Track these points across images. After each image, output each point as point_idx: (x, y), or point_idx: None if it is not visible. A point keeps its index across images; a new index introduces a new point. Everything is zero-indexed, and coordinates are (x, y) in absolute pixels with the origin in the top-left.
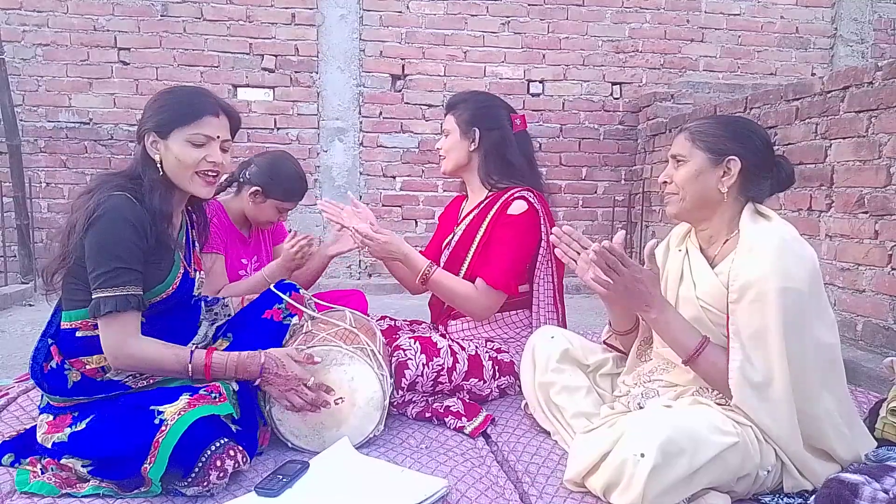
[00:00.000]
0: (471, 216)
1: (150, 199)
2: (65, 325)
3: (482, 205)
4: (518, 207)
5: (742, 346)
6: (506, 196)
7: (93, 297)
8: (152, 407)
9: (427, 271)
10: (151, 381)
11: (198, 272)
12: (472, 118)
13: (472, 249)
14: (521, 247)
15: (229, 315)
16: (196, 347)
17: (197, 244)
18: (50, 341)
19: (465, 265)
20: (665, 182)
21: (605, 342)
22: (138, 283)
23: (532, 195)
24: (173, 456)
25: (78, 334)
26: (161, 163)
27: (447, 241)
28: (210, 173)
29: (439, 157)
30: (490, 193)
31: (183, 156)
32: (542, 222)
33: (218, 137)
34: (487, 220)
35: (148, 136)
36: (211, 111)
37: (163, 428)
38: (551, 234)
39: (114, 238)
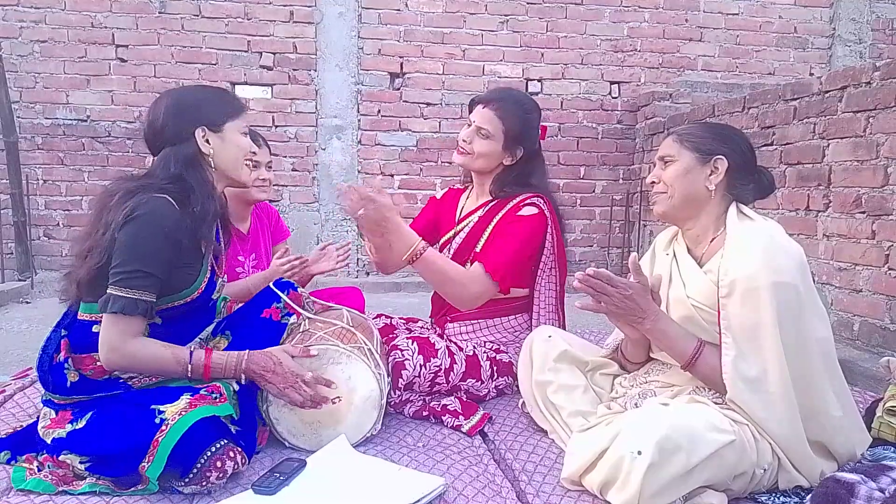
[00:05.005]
0: (474, 217)
1: (205, 200)
2: (82, 315)
3: (488, 207)
4: (528, 211)
5: (735, 341)
6: (514, 201)
7: (108, 290)
8: (153, 406)
9: (419, 248)
10: (153, 380)
11: (220, 277)
12: (520, 135)
13: (477, 251)
14: (526, 244)
15: None
16: (194, 348)
17: (224, 246)
18: (63, 332)
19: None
20: (653, 182)
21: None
22: (154, 289)
23: (542, 201)
24: (172, 456)
25: (94, 329)
26: (212, 157)
27: (448, 238)
28: (251, 162)
29: (459, 148)
30: (495, 198)
31: (242, 143)
32: (549, 228)
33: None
34: (493, 224)
35: (200, 132)
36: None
37: (163, 427)
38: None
39: (144, 241)
